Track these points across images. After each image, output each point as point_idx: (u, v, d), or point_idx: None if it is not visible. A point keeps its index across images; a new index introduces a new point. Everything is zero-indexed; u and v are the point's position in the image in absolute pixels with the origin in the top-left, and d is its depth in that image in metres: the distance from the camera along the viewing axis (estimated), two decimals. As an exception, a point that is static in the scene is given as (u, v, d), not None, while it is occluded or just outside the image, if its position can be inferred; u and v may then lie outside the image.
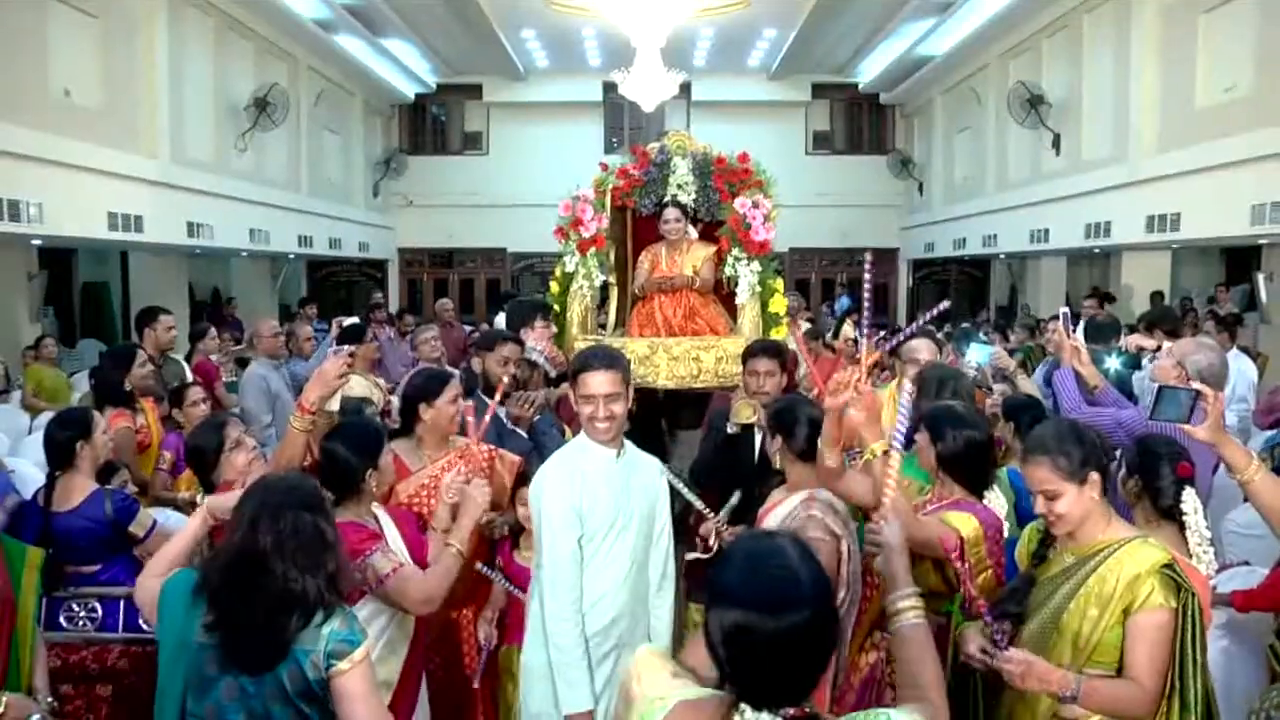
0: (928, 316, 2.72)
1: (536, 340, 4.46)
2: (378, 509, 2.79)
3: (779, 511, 2.83)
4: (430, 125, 18.03)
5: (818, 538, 2.60)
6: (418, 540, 2.83)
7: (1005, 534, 2.68)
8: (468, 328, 11.26)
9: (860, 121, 17.96)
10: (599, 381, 2.63)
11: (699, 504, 3.29)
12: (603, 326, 5.67)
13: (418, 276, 18.15)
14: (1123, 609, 2.17)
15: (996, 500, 2.74)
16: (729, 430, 3.80)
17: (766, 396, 3.70)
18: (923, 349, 3.89)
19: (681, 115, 16.97)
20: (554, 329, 4.91)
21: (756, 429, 3.73)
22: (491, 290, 17.29)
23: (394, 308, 17.66)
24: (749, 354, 3.90)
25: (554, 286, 5.38)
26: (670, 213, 5.22)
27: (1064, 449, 2.26)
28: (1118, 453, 2.91)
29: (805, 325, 6.86)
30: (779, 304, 5.17)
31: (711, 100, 17.04)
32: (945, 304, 2.78)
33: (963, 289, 16.89)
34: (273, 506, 1.97)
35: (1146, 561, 2.17)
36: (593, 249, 5.26)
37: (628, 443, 2.70)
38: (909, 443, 2.55)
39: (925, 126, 16.56)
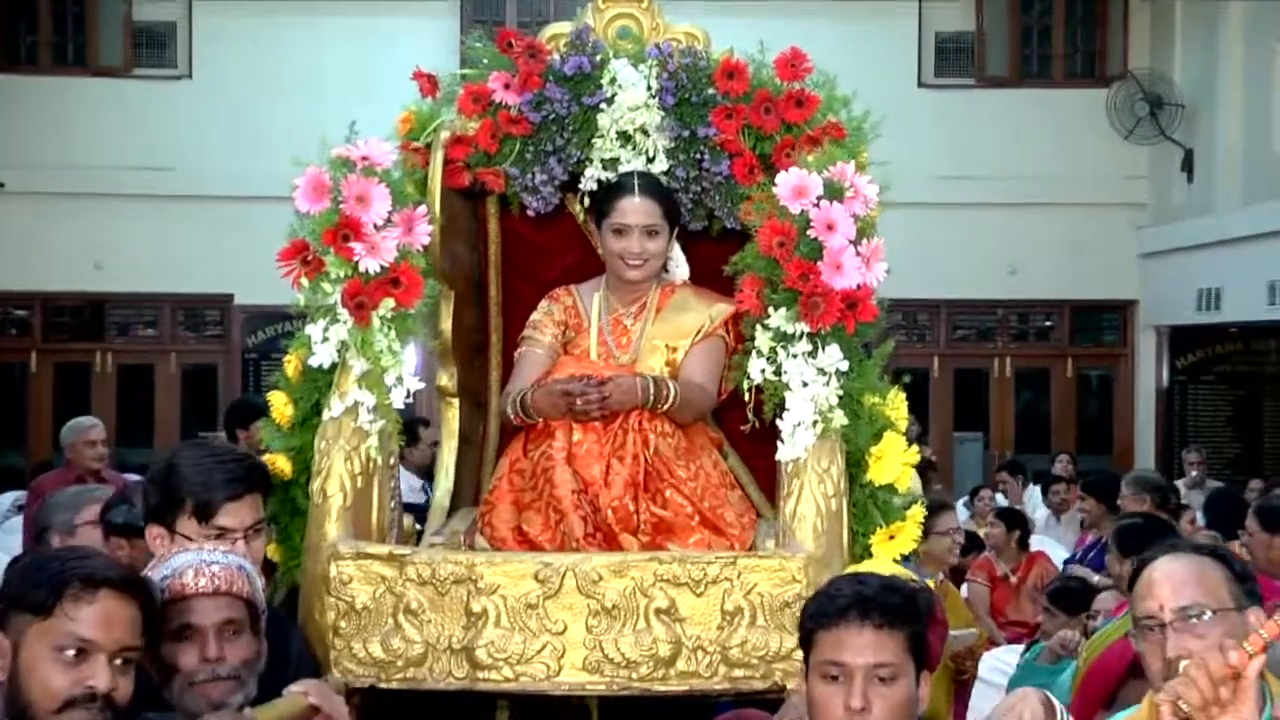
0: None
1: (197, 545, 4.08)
2: None
3: None
4: (48, 3, 18.57)
5: None
6: None
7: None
8: (133, 479, 10.83)
9: (1047, 11, 18.93)
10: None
11: None
12: (414, 512, 5.70)
13: (18, 357, 18.72)
14: None
15: None
16: None
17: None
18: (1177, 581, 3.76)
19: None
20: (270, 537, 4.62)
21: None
22: (199, 389, 18.37)
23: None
24: (830, 613, 3.65)
25: (278, 404, 5.07)
26: (635, 207, 5.25)
27: None
28: None
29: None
30: (895, 463, 4.83)
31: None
32: None
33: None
34: None
35: None
36: (388, 304, 4.85)
37: None
38: None
39: (1199, 22, 17.20)
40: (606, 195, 5.27)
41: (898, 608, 3.55)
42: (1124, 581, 7.21)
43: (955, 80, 18.18)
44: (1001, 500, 13.72)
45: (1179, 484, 14.40)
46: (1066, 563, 10.81)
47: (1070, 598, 7.99)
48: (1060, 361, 18.51)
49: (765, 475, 5.27)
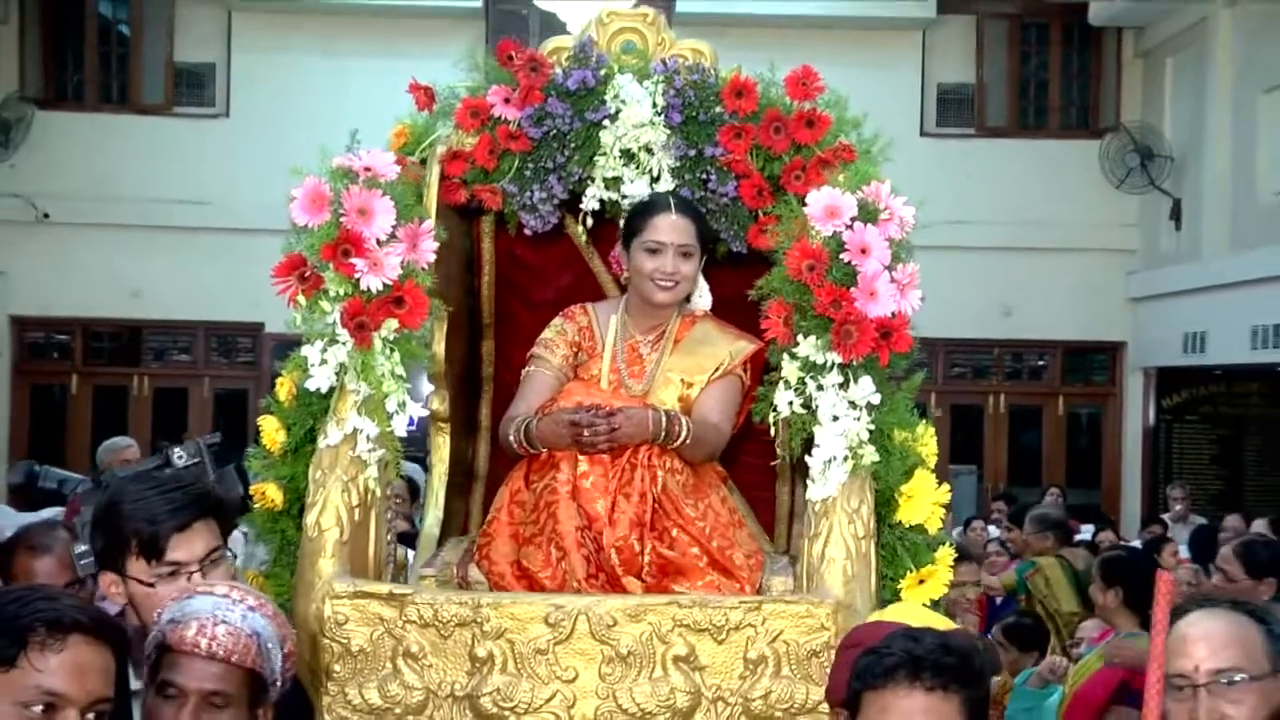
0: None
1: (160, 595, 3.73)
2: None
3: None
4: (94, 44, 18.50)
5: None
6: None
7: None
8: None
9: (1044, 65, 18.95)
10: None
11: None
12: (404, 541, 5.74)
13: (59, 380, 18.72)
14: None
15: None
16: None
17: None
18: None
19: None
20: (231, 564, 4.20)
21: None
22: (230, 412, 18.26)
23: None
24: (878, 673, 3.34)
25: (269, 429, 4.86)
26: (672, 225, 5.01)
27: None
28: None
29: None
30: (926, 502, 4.65)
31: (718, 14, 17.61)
32: None
33: (1271, 440, 17.62)
34: None
35: None
36: (391, 325, 4.61)
37: None
38: None
39: (1188, 77, 17.22)
40: (640, 213, 5.01)
41: (952, 669, 3.20)
42: (1108, 610, 6.96)
43: (956, 130, 18.31)
44: (994, 531, 13.79)
45: (1165, 518, 14.79)
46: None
47: (1023, 633, 8.37)
48: (1052, 400, 18.73)
49: (764, 507, 5.25)
